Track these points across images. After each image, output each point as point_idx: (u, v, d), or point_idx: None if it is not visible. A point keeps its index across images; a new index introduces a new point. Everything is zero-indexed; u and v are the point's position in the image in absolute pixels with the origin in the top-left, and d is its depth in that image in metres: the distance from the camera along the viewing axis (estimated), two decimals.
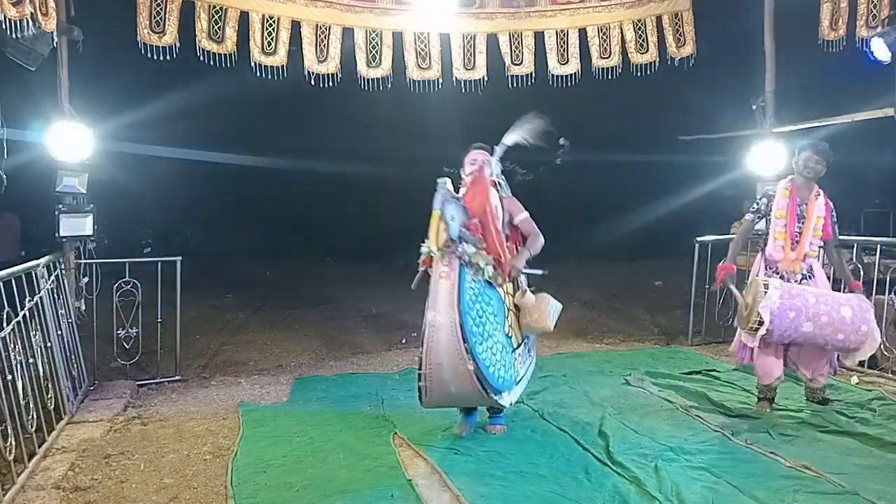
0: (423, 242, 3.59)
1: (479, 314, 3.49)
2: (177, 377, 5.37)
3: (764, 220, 4.41)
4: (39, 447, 3.71)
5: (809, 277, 4.22)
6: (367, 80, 5.86)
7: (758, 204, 4.41)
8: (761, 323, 3.89)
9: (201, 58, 5.34)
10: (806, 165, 4.25)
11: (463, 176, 3.89)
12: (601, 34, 6.28)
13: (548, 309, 3.85)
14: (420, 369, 3.48)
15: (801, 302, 3.91)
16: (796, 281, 4.18)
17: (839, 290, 4.46)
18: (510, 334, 3.78)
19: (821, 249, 4.36)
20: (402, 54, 5.93)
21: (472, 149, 3.99)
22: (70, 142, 4.94)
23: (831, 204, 4.30)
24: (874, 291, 5.06)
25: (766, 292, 3.89)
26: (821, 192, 4.29)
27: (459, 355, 3.36)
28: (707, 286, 6.34)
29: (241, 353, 6.44)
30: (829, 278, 4.46)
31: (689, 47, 6.34)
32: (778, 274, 4.22)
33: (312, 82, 5.70)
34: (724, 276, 4.30)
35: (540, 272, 3.89)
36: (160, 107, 9.57)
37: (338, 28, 5.76)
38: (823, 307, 3.93)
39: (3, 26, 3.75)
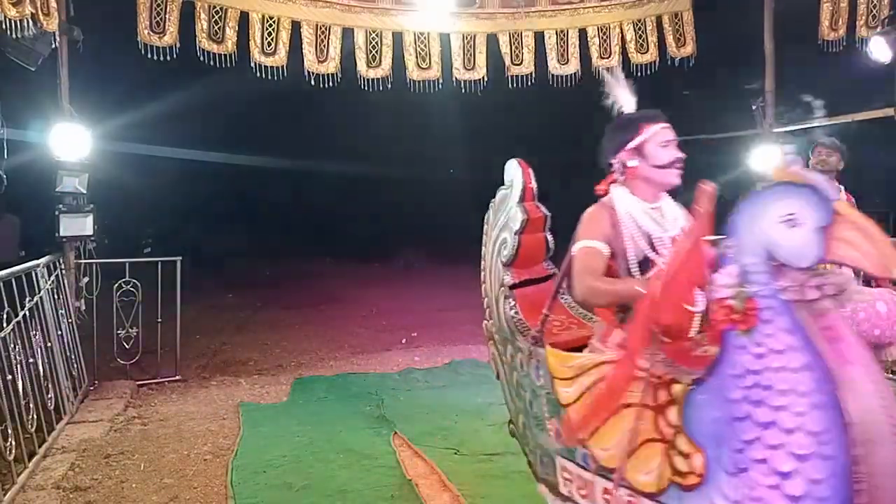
0: (734, 280, 1.64)
1: None
2: (177, 377, 5.37)
3: None
4: (39, 447, 3.71)
5: None
6: (367, 80, 5.86)
7: None
8: None
9: (201, 58, 5.35)
10: (818, 160, 4.27)
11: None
12: (601, 34, 6.28)
13: None
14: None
15: None
16: None
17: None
18: None
19: None
20: (402, 54, 5.94)
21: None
22: (70, 142, 4.94)
23: (853, 199, 4.25)
24: None
25: None
26: (841, 188, 4.25)
27: None
28: None
29: (241, 353, 6.44)
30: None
31: (689, 47, 6.34)
32: None
33: (312, 82, 5.71)
34: None
35: None
36: (160, 107, 9.58)
37: (338, 28, 5.76)
38: (860, 304, 3.89)
39: (4, 26, 3.76)
